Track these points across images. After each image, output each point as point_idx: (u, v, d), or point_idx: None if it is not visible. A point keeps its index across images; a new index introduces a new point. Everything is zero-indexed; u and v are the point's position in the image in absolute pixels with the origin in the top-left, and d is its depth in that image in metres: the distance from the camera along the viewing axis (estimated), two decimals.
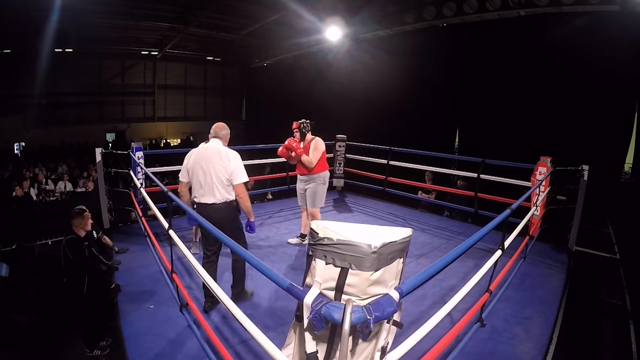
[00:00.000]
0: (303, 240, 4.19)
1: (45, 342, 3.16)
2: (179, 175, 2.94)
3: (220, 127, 2.92)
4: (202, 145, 2.91)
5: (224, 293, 1.84)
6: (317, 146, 3.95)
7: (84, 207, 3.40)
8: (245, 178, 2.81)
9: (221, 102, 19.78)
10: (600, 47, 6.46)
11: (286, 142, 3.86)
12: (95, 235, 3.81)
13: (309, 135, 4.01)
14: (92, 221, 3.79)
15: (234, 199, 2.85)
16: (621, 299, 3.49)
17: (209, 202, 2.78)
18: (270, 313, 2.83)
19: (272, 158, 5.75)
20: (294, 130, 3.98)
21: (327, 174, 4.06)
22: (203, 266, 2.79)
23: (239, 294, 2.96)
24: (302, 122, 3.96)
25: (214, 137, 2.89)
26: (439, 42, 9.14)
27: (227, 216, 2.82)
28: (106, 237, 4.00)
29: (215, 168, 2.74)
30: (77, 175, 10.69)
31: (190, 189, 2.97)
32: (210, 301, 2.86)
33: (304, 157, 3.89)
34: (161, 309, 2.88)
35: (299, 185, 4.11)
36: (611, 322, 3.18)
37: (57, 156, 12.93)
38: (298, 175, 4.12)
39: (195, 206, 2.89)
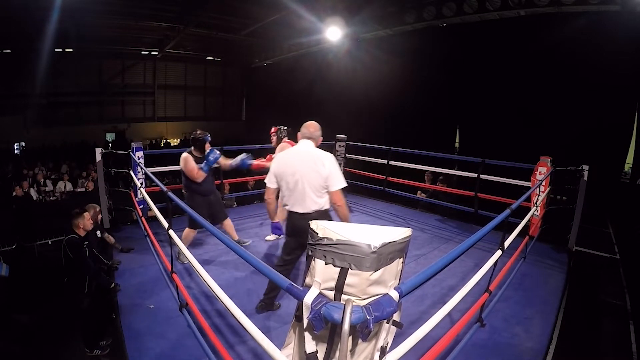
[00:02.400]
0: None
1: (45, 342, 3.16)
2: (266, 180, 2.65)
3: (315, 128, 2.62)
4: (291, 150, 2.65)
5: (223, 292, 1.84)
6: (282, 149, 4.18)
7: (94, 204, 3.42)
8: (343, 183, 2.51)
9: (221, 102, 19.80)
10: (600, 47, 6.46)
11: (255, 164, 4.10)
12: (99, 235, 3.84)
13: (283, 140, 4.21)
14: (100, 216, 3.84)
15: (328, 207, 2.57)
16: (621, 299, 3.49)
17: (300, 211, 2.51)
18: (270, 313, 2.83)
19: None
20: (272, 134, 4.21)
21: None
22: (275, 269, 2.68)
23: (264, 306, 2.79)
24: (280, 128, 4.20)
25: (307, 138, 2.60)
26: (439, 42, 9.14)
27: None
28: (109, 236, 4.01)
29: (309, 174, 2.45)
30: (77, 175, 10.69)
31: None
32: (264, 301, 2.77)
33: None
34: (161, 309, 2.88)
35: None
36: (611, 322, 3.18)
37: (58, 156, 12.93)
38: None
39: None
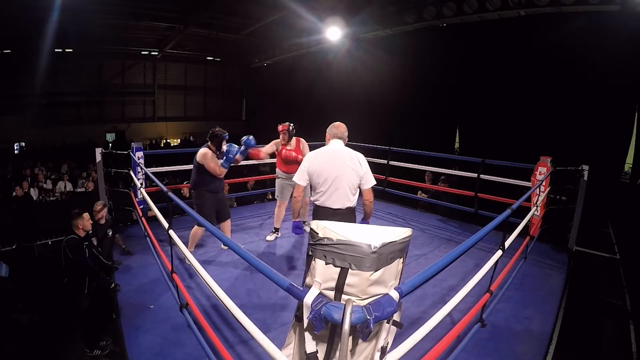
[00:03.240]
0: (278, 234, 4.44)
1: (45, 342, 3.17)
2: (295, 178, 2.74)
3: (344, 128, 2.76)
4: (326, 149, 2.72)
5: (223, 292, 1.84)
6: (306, 146, 4.33)
7: (105, 202, 3.41)
8: (374, 181, 2.72)
9: (221, 102, 19.80)
10: (600, 47, 6.47)
11: (284, 154, 4.22)
12: (109, 233, 3.84)
13: (293, 137, 4.32)
14: (108, 216, 3.86)
15: (355, 205, 2.75)
16: (621, 299, 3.49)
17: (334, 207, 2.64)
18: (270, 313, 2.83)
19: (271, 158, 5.75)
20: (282, 132, 4.24)
21: None
22: None
23: None
24: (290, 125, 4.25)
25: (339, 138, 2.73)
26: (439, 42, 9.14)
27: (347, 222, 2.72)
28: (120, 237, 4.01)
29: (348, 172, 2.60)
30: (77, 175, 10.69)
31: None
32: None
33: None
34: (161, 309, 2.88)
35: (289, 183, 4.31)
36: (611, 322, 3.19)
37: (57, 156, 12.92)
38: (287, 174, 4.29)
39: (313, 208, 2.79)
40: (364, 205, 2.75)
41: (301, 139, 4.35)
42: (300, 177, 2.72)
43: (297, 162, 4.14)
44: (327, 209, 2.66)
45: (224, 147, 3.66)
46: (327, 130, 2.78)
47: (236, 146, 3.70)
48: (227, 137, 3.70)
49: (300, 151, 4.25)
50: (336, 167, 2.60)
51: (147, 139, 17.18)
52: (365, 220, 2.90)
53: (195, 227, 3.65)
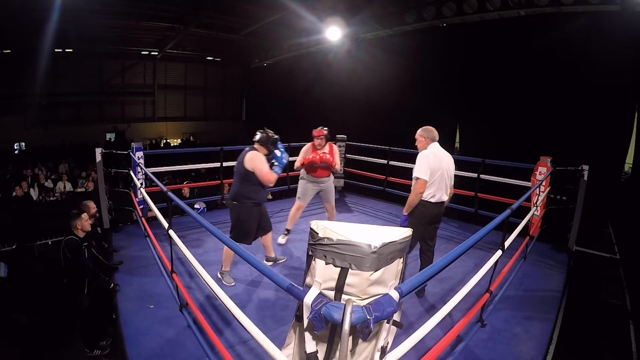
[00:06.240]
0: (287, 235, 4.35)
1: (45, 342, 3.16)
2: (421, 175, 2.89)
3: (436, 131, 3.08)
4: (434, 150, 3.00)
5: (223, 292, 1.84)
6: (337, 151, 4.27)
7: (89, 200, 3.40)
8: None
9: (221, 102, 19.79)
10: (600, 47, 6.46)
11: (318, 158, 4.00)
12: (98, 230, 3.84)
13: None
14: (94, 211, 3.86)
15: None
16: (621, 299, 3.49)
17: (443, 199, 3.03)
18: (270, 313, 2.83)
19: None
20: (319, 138, 4.10)
21: None
22: (421, 256, 3.18)
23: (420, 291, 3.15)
24: (325, 130, 4.13)
25: (436, 141, 3.05)
26: (439, 42, 9.14)
27: (443, 211, 3.13)
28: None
29: (451, 169, 3.05)
30: (77, 175, 10.68)
31: None
32: None
33: (338, 166, 4.21)
34: (161, 309, 2.88)
35: (313, 187, 4.23)
36: (611, 322, 3.19)
37: (57, 156, 12.93)
38: (313, 177, 4.18)
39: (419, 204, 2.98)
40: (450, 194, 3.20)
41: (333, 144, 4.23)
42: (426, 173, 2.92)
43: (330, 168, 4.09)
44: (436, 203, 2.99)
45: (277, 152, 3.23)
46: (422, 134, 3.05)
47: (285, 152, 3.30)
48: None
49: (333, 156, 4.11)
50: (445, 165, 2.99)
51: (147, 139, 17.16)
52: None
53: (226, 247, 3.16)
